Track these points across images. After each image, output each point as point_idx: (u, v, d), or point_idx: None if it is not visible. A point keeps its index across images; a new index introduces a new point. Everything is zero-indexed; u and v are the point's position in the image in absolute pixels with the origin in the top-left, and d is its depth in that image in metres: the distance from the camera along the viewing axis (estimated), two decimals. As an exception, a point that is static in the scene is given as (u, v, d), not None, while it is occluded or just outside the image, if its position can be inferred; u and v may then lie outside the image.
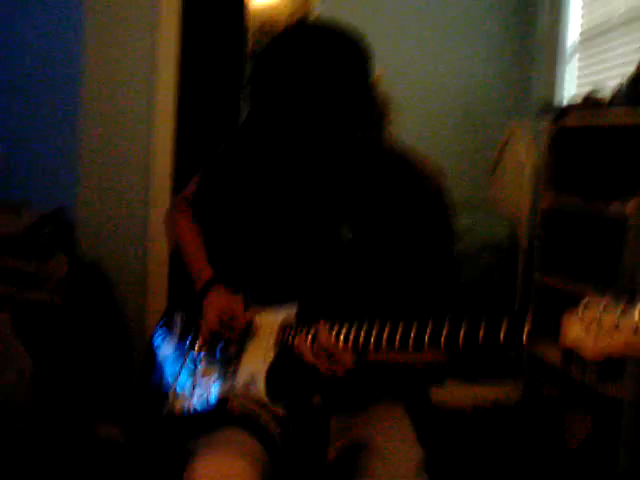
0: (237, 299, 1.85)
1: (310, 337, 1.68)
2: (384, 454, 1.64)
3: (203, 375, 1.85)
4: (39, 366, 2.79)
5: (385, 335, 1.61)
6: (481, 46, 4.08)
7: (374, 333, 1.62)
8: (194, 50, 3.91)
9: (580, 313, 1.36)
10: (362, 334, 1.64)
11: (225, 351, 1.84)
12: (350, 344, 1.63)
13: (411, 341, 1.57)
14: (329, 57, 1.68)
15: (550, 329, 1.43)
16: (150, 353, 2.00)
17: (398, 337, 1.59)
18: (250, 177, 1.91)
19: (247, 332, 1.84)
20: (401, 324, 1.60)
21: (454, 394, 2.77)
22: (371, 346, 1.61)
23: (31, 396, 2.74)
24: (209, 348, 1.86)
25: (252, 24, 4.15)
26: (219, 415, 1.74)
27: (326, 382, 1.72)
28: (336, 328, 1.66)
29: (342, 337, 1.64)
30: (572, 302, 1.40)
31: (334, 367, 1.64)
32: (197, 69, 4.01)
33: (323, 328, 1.66)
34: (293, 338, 1.75)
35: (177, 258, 2.11)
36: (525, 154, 3.45)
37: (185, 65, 3.72)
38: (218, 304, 1.84)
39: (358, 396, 1.80)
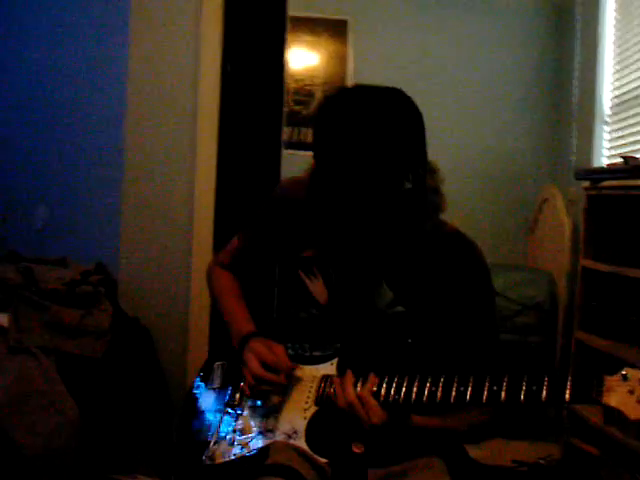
0: (278, 346, 1.87)
1: (348, 386, 1.70)
2: None
3: (244, 425, 1.86)
4: (82, 414, 2.81)
5: (426, 392, 1.63)
6: (519, 111, 4.13)
7: (414, 390, 1.64)
8: (233, 111, 3.98)
9: (624, 374, 1.39)
10: (402, 390, 1.65)
11: (266, 403, 1.86)
12: (389, 399, 1.65)
13: (452, 398, 1.59)
14: (392, 115, 1.67)
15: (591, 389, 1.45)
16: (191, 402, 2.03)
17: (439, 394, 1.61)
18: (301, 228, 1.94)
19: (288, 385, 1.85)
20: (442, 381, 1.62)
21: (493, 451, 2.75)
22: (410, 403, 1.63)
23: (75, 442, 2.76)
24: (253, 396, 1.88)
25: (289, 86, 4.21)
26: (260, 465, 1.74)
27: (365, 432, 1.73)
28: (377, 382, 1.68)
29: (383, 391, 1.66)
30: (612, 362, 1.42)
31: (364, 418, 1.65)
32: (236, 129, 4.08)
33: (364, 378, 1.68)
34: (333, 391, 1.77)
35: (218, 311, 2.14)
36: (565, 214, 3.47)
37: (224, 125, 3.78)
38: (260, 350, 1.86)
39: (397, 451, 1.80)
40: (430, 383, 1.62)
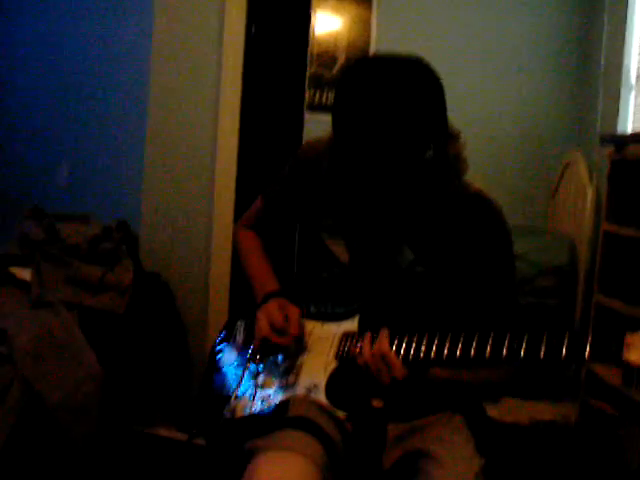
0: (293, 307, 1.89)
1: (369, 343, 1.70)
2: (443, 462, 1.65)
3: (264, 381, 1.88)
4: (103, 368, 2.84)
5: (446, 348, 1.63)
6: (543, 74, 4.09)
7: (435, 346, 1.65)
8: (257, 72, 3.98)
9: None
10: (423, 346, 1.66)
11: (286, 360, 1.88)
12: (410, 356, 1.65)
13: (472, 354, 1.59)
14: (412, 88, 1.65)
15: (610, 350, 1.46)
16: (213, 359, 2.04)
17: (459, 351, 1.61)
18: (323, 193, 1.93)
19: (308, 342, 1.87)
20: (462, 337, 1.62)
21: (511, 411, 2.77)
22: (431, 359, 1.63)
23: (97, 395, 2.79)
24: (263, 355, 1.89)
25: (312, 50, 4.20)
26: (280, 418, 1.75)
27: (386, 387, 1.74)
28: (397, 338, 1.69)
29: (403, 348, 1.67)
30: (632, 325, 1.41)
31: (385, 374, 1.66)
32: (259, 90, 4.08)
33: (383, 335, 1.68)
34: (354, 347, 1.78)
35: (238, 267, 2.15)
36: (587, 179, 3.45)
37: (248, 86, 3.79)
38: (272, 311, 1.87)
39: (417, 406, 1.81)
40: (450, 340, 1.63)
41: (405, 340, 1.68)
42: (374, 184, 1.72)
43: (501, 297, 1.83)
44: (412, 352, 1.65)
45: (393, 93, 1.62)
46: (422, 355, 1.64)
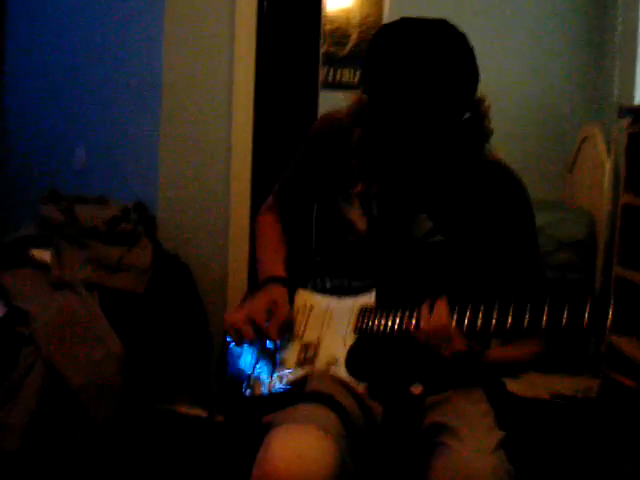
0: (283, 306, 1.88)
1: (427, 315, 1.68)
2: (463, 435, 1.64)
3: (283, 358, 1.88)
4: (124, 348, 2.86)
5: (494, 318, 1.62)
6: (558, 46, 4.06)
7: (480, 317, 1.64)
8: (270, 50, 3.97)
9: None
10: (479, 318, 1.64)
11: (305, 335, 1.88)
12: (465, 326, 1.64)
13: (508, 324, 1.59)
14: (450, 46, 1.65)
15: (631, 323, 1.45)
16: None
17: (510, 320, 1.60)
18: (345, 162, 1.92)
19: (325, 317, 1.88)
20: (511, 307, 1.60)
21: (531, 386, 2.77)
22: (490, 330, 1.62)
23: (119, 374, 2.81)
24: (238, 342, 1.89)
25: (325, 28, 4.18)
26: (298, 393, 1.76)
27: (426, 369, 1.75)
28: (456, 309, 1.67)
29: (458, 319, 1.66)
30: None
31: (446, 347, 1.65)
32: (273, 68, 4.07)
33: (442, 306, 1.66)
34: (372, 322, 1.78)
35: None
36: (605, 152, 3.43)
37: (261, 64, 3.78)
38: (257, 306, 1.87)
39: (439, 380, 1.80)
40: (498, 310, 1.61)
41: (458, 311, 1.67)
42: (408, 145, 1.71)
43: (527, 263, 1.83)
44: (467, 323, 1.64)
45: (431, 52, 1.63)
46: (480, 326, 1.63)
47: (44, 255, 3.14)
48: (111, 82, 3.80)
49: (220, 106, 3.66)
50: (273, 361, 1.89)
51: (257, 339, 1.85)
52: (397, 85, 1.63)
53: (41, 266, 3.10)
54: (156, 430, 2.94)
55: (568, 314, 1.51)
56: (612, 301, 1.48)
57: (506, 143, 2.10)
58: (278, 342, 1.89)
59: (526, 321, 1.56)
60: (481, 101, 1.77)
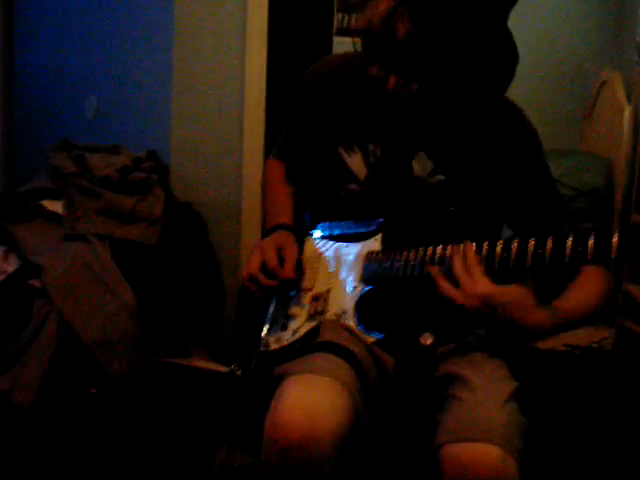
0: (292, 247, 1.87)
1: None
2: (474, 386, 1.62)
3: (294, 310, 1.88)
4: (137, 299, 2.85)
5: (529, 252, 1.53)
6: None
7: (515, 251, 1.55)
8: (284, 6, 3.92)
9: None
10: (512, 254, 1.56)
11: (314, 286, 1.87)
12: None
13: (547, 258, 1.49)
14: None
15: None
16: (245, 291, 2.04)
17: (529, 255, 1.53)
18: (344, 103, 1.90)
19: (333, 266, 1.87)
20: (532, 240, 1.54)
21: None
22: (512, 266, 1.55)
23: (132, 326, 2.81)
24: (258, 292, 1.87)
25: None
26: (309, 344, 1.75)
27: (437, 317, 1.72)
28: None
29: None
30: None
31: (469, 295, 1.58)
32: (287, 16, 4.01)
33: (470, 248, 1.60)
34: (380, 265, 1.76)
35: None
36: (624, 97, 3.37)
37: (274, 11, 3.72)
38: (268, 249, 1.86)
39: (455, 329, 1.78)
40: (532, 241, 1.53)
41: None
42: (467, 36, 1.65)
43: (546, 195, 1.81)
44: (498, 260, 1.57)
45: None
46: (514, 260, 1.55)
47: (56, 206, 3.12)
48: (122, 29, 3.75)
49: (233, 53, 3.62)
50: (286, 313, 1.89)
51: (274, 284, 1.84)
52: None
53: (53, 217, 3.09)
54: (170, 384, 2.95)
55: (572, 244, 1.43)
56: (617, 230, 1.41)
57: (522, 89, 2.07)
58: (292, 293, 1.89)
59: (568, 250, 1.46)
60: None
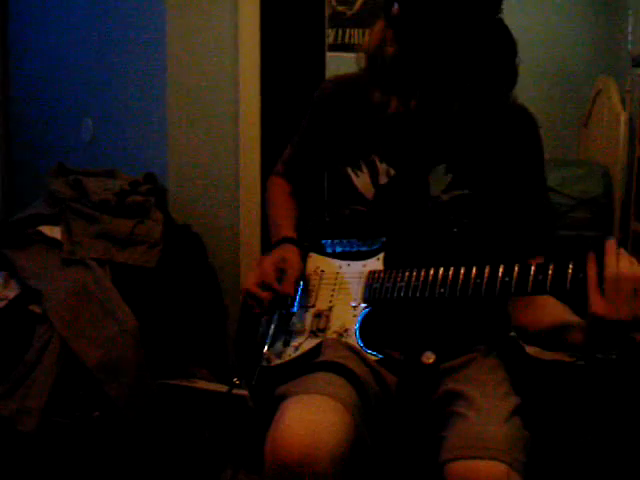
0: (295, 262, 1.88)
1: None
2: (476, 403, 1.62)
3: (296, 327, 1.87)
4: (138, 323, 2.85)
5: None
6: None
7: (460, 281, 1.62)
8: (276, 13, 3.92)
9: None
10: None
11: (316, 304, 1.87)
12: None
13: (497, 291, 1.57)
14: None
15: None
16: (246, 308, 2.03)
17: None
18: (356, 122, 1.90)
19: (334, 284, 1.87)
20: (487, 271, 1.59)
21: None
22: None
23: (134, 350, 2.80)
24: (258, 307, 1.87)
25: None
26: (310, 363, 1.74)
27: (437, 336, 1.74)
28: None
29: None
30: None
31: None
32: (279, 32, 4.02)
33: (622, 255, 1.48)
34: (382, 284, 1.76)
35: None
36: (620, 105, 3.38)
37: (267, 28, 3.73)
38: (266, 265, 1.86)
39: (457, 346, 1.79)
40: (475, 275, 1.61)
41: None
42: (440, 55, 1.70)
43: (540, 205, 1.83)
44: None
45: None
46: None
47: (54, 231, 3.12)
48: (116, 54, 3.76)
49: (227, 72, 3.63)
50: (288, 330, 1.88)
51: (273, 300, 1.84)
52: None
53: (52, 242, 3.08)
54: (173, 406, 2.94)
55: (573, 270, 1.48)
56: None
57: (519, 98, 2.08)
58: (293, 310, 1.88)
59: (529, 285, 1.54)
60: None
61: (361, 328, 1.77)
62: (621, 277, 1.43)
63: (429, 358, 1.72)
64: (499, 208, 1.81)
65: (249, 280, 1.86)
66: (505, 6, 3.52)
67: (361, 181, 1.87)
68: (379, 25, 1.79)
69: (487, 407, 1.61)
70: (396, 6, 1.71)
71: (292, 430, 1.52)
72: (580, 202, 3.30)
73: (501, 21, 1.74)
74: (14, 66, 4.25)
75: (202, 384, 3.05)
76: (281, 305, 1.88)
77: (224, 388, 2.80)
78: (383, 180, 1.85)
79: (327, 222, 2.00)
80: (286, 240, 1.94)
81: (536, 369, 2.06)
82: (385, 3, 1.74)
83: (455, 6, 1.64)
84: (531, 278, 1.54)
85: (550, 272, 1.52)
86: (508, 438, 1.55)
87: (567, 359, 2.60)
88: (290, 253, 1.89)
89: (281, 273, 1.85)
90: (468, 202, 1.80)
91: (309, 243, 1.98)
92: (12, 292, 2.95)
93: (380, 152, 1.86)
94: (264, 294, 1.83)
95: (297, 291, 1.87)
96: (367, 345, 1.75)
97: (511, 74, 1.76)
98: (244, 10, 3.58)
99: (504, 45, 1.73)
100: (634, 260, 1.46)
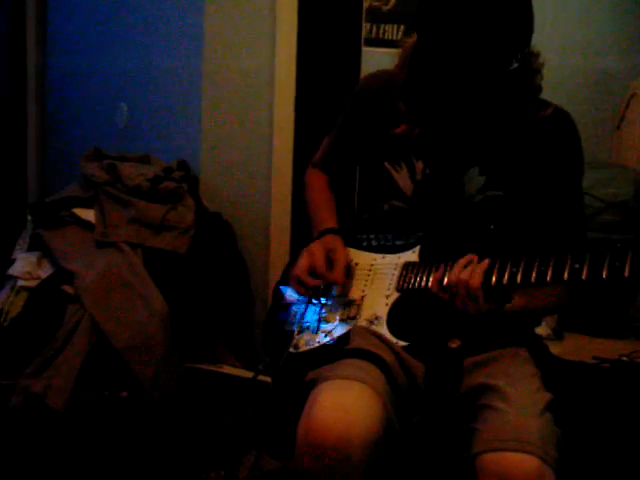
0: (342, 251, 1.91)
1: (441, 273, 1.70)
2: (509, 396, 1.63)
3: (327, 315, 1.90)
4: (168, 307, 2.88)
5: (520, 271, 1.61)
6: (608, 3, 3.98)
7: (508, 269, 1.63)
8: (313, 7, 3.92)
9: None
10: (495, 271, 1.64)
11: (348, 292, 1.90)
12: (492, 281, 1.64)
13: (548, 278, 1.57)
14: None
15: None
16: (277, 296, 2.07)
17: (534, 274, 1.59)
18: (393, 119, 1.91)
19: (368, 275, 1.90)
20: (537, 260, 1.60)
21: (574, 348, 2.75)
22: (516, 284, 1.61)
23: (163, 333, 2.84)
24: (305, 292, 1.92)
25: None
26: (341, 349, 1.77)
27: (463, 325, 1.75)
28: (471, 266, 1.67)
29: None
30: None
31: (467, 304, 1.65)
32: (316, 26, 4.02)
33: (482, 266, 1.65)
34: (414, 278, 1.78)
35: (299, 205, 2.16)
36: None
37: (303, 22, 3.73)
38: (316, 252, 1.90)
39: (484, 339, 1.80)
40: (525, 263, 1.61)
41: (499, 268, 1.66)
42: (457, 90, 1.70)
43: (575, 210, 1.85)
44: (495, 277, 1.64)
45: None
46: (506, 280, 1.63)
47: (88, 214, 3.16)
48: (154, 41, 3.78)
49: (263, 64, 3.63)
50: (318, 317, 1.91)
51: (320, 288, 1.89)
52: (447, 17, 1.63)
53: (85, 225, 3.12)
54: (199, 390, 2.97)
55: (609, 263, 1.49)
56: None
57: (553, 101, 2.08)
58: (323, 299, 1.92)
59: (566, 274, 1.55)
60: (535, 55, 1.75)
61: (391, 316, 1.80)
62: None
63: (454, 343, 1.75)
64: (531, 211, 1.83)
65: (299, 267, 1.90)
66: (544, 7, 3.52)
67: (401, 176, 1.89)
68: (408, 43, 1.84)
69: (521, 401, 1.62)
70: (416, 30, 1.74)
71: (327, 413, 1.55)
72: (609, 205, 3.27)
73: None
74: (52, 54, 4.29)
75: (228, 369, 3.08)
76: (325, 293, 1.92)
77: (249, 374, 2.82)
78: (420, 177, 1.87)
79: (366, 218, 2.01)
80: (331, 231, 1.98)
81: (562, 369, 2.06)
82: (414, 23, 1.75)
83: (472, 42, 1.63)
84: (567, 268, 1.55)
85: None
86: (542, 433, 1.56)
87: (592, 361, 2.61)
88: (338, 243, 1.93)
89: (329, 262, 1.89)
90: (500, 203, 1.82)
91: (345, 237, 2.00)
92: (45, 272, 3.00)
93: (416, 151, 1.89)
94: (314, 281, 1.88)
95: (346, 279, 1.90)
96: (395, 333, 1.77)
97: (529, 89, 1.78)
98: (282, 1, 3.60)
99: (526, 69, 1.72)
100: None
